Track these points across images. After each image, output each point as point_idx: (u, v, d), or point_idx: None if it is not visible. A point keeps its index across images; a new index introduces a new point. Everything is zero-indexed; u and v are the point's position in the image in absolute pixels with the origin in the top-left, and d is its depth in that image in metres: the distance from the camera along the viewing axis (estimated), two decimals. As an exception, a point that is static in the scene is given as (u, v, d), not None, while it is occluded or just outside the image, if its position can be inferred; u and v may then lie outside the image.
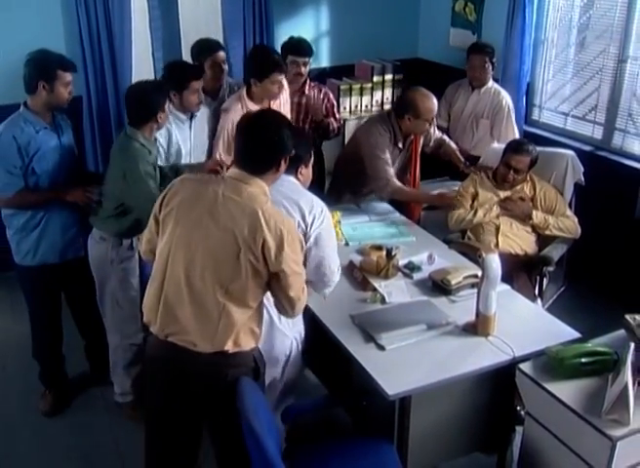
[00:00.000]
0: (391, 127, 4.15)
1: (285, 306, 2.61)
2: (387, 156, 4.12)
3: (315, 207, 2.89)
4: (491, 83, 4.96)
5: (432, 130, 4.40)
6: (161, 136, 3.77)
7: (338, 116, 4.92)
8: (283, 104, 4.32)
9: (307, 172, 3.12)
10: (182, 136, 3.93)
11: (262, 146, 2.53)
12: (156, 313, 2.56)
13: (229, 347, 2.50)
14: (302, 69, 4.57)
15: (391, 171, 4.13)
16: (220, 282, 2.45)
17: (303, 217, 2.85)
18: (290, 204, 2.86)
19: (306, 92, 4.69)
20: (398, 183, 4.16)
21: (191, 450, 2.82)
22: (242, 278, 2.45)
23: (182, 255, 2.49)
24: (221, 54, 4.39)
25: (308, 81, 4.74)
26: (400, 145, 4.25)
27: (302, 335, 3.17)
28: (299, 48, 4.56)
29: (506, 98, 4.89)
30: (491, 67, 4.89)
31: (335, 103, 4.91)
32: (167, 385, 2.63)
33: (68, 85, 3.44)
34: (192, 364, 2.53)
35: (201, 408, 2.66)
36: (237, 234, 2.43)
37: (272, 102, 4.17)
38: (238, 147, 2.58)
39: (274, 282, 2.52)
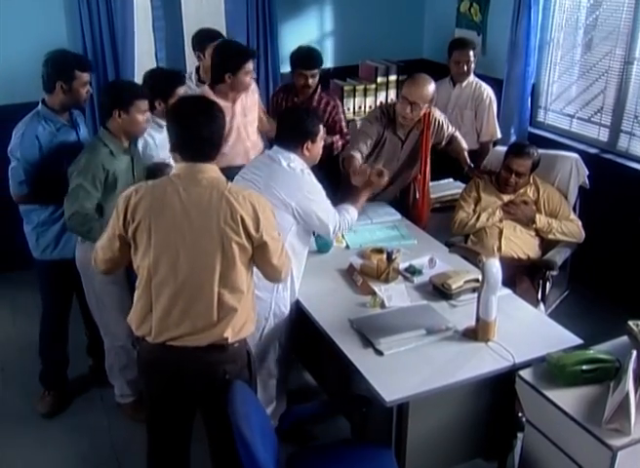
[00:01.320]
0: (392, 112, 4.09)
1: (273, 274, 2.72)
2: (370, 132, 4.05)
3: (297, 191, 3.11)
4: (472, 77, 4.94)
5: (445, 127, 4.30)
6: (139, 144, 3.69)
7: (345, 131, 4.72)
8: (250, 107, 4.32)
9: (315, 147, 3.25)
10: (163, 141, 3.69)
11: (203, 135, 2.54)
12: (150, 324, 2.56)
13: (229, 335, 2.55)
14: (310, 81, 4.50)
15: (362, 146, 4.01)
16: (212, 273, 2.49)
17: (288, 199, 3.10)
18: (279, 187, 3.10)
19: (314, 103, 4.58)
20: (355, 156, 3.94)
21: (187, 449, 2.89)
22: (232, 262, 2.51)
23: (166, 261, 2.50)
24: None
25: (318, 91, 4.63)
26: (400, 134, 4.13)
27: (288, 305, 3.29)
28: (306, 61, 4.48)
29: (488, 90, 4.89)
30: (473, 61, 4.89)
31: (342, 118, 4.73)
32: (165, 388, 2.66)
33: (86, 84, 3.50)
34: (189, 362, 2.56)
35: (200, 406, 2.70)
36: (213, 222, 2.47)
37: (239, 104, 4.16)
38: (177, 139, 2.59)
39: (259, 255, 2.58)
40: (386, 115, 4.11)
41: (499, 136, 4.95)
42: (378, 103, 5.71)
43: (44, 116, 3.47)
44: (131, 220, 2.53)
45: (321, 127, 3.29)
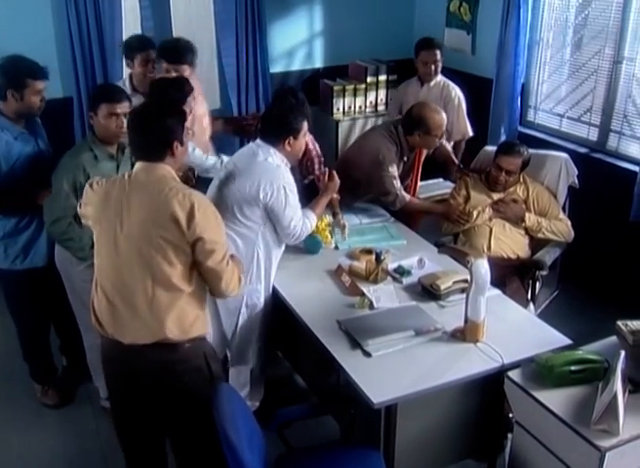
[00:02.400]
0: (399, 142, 4.10)
1: (213, 280, 2.64)
2: (395, 170, 4.09)
3: (267, 186, 3.16)
4: (440, 77, 4.92)
5: None
6: None
7: (318, 168, 4.23)
8: (202, 116, 4.34)
9: (297, 144, 3.31)
10: None
11: (149, 137, 2.59)
12: (101, 315, 2.64)
13: (173, 334, 2.56)
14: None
15: (399, 184, 4.12)
16: (146, 269, 2.53)
17: (257, 193, 3.16)
18: (251, 181, 3.18)
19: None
20: (407, 196, 4.16)
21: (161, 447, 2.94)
22: (167, 260, 2.52)
23: (107, 257, 2.60)
24: (152, 52, 4.22)
25: None
26: (405, 159, 4.22)
27: (261, 297, 3.38)
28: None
29: (456, 90, 4.86)
30: (440, 63, 4.87)
31: (315, 162, 4.27)
32: (122, 384, 2.72)
33: (39, 93, 3.38)
34: (139, 360, 2.60)
35: (158, 405, 2.72)
36: (149, 219, 2.52)
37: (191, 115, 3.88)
38: (130, 141, 2.69)
39: (197, 256, 2.56)
40: (396, 146, 4.10)
41: (470, 134, 4.92)
42: (369, 103, 5.71)
43: (0, 125, 3.35)
44: (86, 216, 2.73)
45: (305, 124, 3.34)
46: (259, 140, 3.35)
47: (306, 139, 3.58)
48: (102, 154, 3.32)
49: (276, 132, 3.29)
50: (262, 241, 3.30)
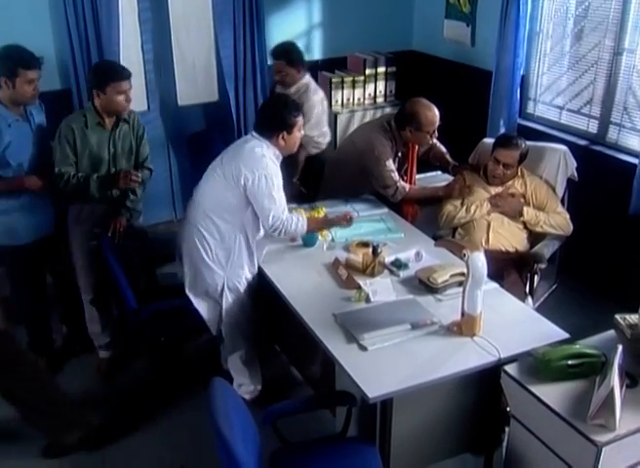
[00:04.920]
0: (392, 137, 4.10)
1: None
2: (392, 164, 4.09)
3: (249, 173, 3.26)
4: (304, 81, 4.72)
5: None
6: None
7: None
8: None
9: (291, 138, 3.40)
10: None
11: None
12: None
13: None
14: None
15: (397, 176, 4.12)
16: None
17: (239, 179, 3.28)
18: (234, 166, 3.31)
19: None
20: (407, 186, 4.16)
21: None
22: None
23: None
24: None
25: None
26: (400, 154, 4.21)
27: (242, 280, 3.48)
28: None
29: (311, 93, 4.69)
30: (293, 67, 4.66)
31: None
32: None
33: (32, 82, 3.49)
34: None
35: None
36: None
37: None
38: None
39: None
40: (391, 141, 4.09)
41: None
42: (367, 95, 5.68)
43: None
44: None
45: (299, 119, 3.41)
46: (254, 132, 3.42)
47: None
48: (93, 122, 3.65)
49: (271, 126, 3.37)
50: (244, 226, 3.41)
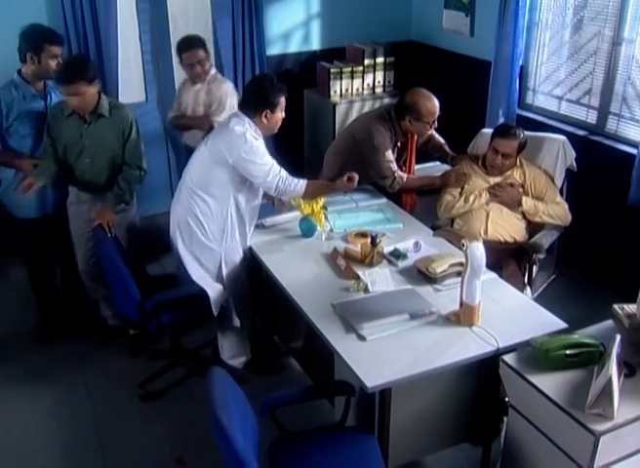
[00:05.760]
0: (392, 127, 4.09)
1: None
2: (390, 154, 4.09)
3: (229, 155, 3.39)
4: (212, 72, 4.69)
5: None
6: None
7: None
8: None
9: (273, 117, 3.49)
10: None
11: None
12: None
13: None
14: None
15: (395, 166, 4.11)
16: None
17: (224, 156, 3.41)
18: (218, 144, 3.44)
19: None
20: (404, 176, 4.15)
21: None
22: None
23: None
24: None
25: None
26: (399, 144, 4.21)
27: (238, 254, 3.64)
28: None
29: (222, 81, 4.69)
30: (207, 60, 4.62)
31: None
32: None
33: (56, 57, 3.79)
34: None
35: None
36: None
37: None
38: None
39: None
40: (390, 131, 4.08)
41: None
42: (366, 86, 5.67)
43: (15, 84, 3.82)
44: None
45: (282, 99, 3.50)
46: (238, 111, 3.55)
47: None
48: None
49: (254, 104, 3.47)
50: (234, 201, 3.53)
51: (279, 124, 3.58)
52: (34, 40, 3.74)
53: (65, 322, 4.37)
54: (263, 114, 3.45)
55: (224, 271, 3.61)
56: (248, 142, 3.39)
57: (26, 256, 4.24)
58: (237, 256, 3.64)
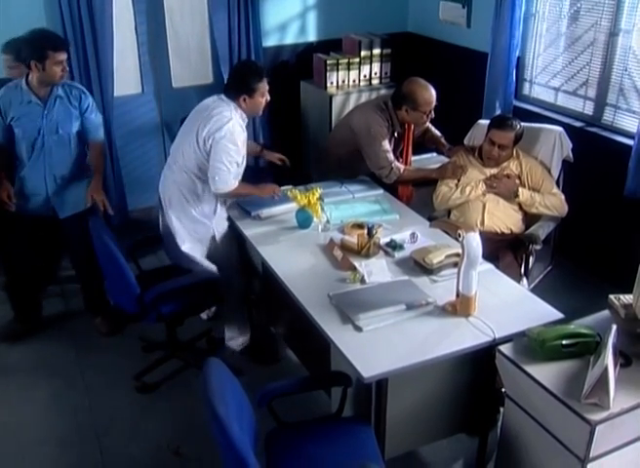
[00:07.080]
0: (389, 117, 4.09)
1: None
2: (387, 144, 4.08)
3: (216, 132, 3.55)
4: None
5: None
6: None
7: None
8: None
9: (252, 102, 3.66)
10: None
11: None
12: None
13: None
14: None
15: (392, 156, 4.10)
16: None
17: (206, 138, 3.58)
18: (203, 126, 3.59)
19: None
20: (401, 167, 4.14)
21: None
22: None
23: None
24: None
25: None
26: (396, 135, 4.20)
27: (224, 223, 3.85)
28: None
29: None
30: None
31: None
32: None
33: (60, 63, 3.68)
34: None
35: None
36: None
37: None
38: None
39: None
40: (387, 121, 4.08)
41: None
42: (362, 77, 5.65)
43: (20, 87, 3.76)
44: None
45: (262, 85, 3.65)
46: (222, 95, 3.70)
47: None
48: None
49: (235, 89, 3.65)
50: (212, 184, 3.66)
51: (261, 107, 3.74)
52: (38, 47, 3.62)
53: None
54: (242, 99, 3.61)
55: (215, 244, 3.82)
56: (228, 129, 3.55)
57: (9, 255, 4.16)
58: (225, 226, 3.85)
